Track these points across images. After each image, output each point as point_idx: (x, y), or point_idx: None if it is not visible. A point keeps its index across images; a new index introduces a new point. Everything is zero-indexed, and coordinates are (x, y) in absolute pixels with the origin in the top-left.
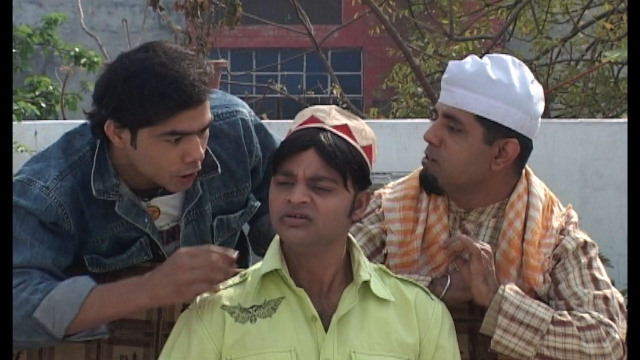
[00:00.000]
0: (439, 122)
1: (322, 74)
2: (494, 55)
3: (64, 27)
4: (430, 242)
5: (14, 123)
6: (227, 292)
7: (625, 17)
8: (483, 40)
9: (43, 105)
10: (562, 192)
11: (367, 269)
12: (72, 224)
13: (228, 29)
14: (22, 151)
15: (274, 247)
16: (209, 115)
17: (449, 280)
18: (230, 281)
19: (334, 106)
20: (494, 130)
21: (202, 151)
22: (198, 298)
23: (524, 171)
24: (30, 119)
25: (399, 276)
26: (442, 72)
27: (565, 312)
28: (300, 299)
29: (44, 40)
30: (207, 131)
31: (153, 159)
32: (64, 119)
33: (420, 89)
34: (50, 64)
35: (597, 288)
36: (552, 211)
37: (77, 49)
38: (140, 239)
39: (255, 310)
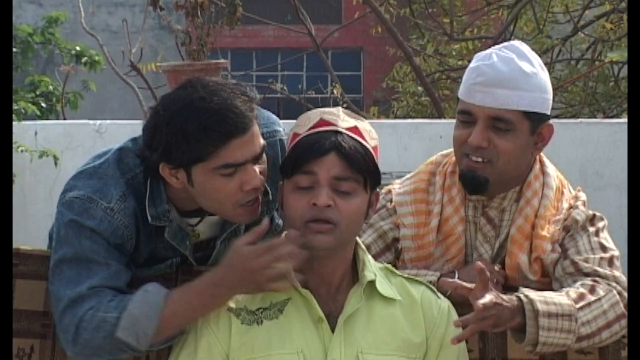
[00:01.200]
0: (483, 125)
1: (322, 74)
2: (507, 44)
3: (64, 27)
4: (446, 234)
5: (14, 123)
6: None
7: (625, 17)
8: (483, 39)
9: (43, 105)
10: None
11: (372, 269)
12: (133, 243)
13: (228, 29)
14: (22, 151)
15: None
16: (260, 142)
17: (456, 276)
18: None
19: (340, 107)
20: (537, 120)
21: (261, 178)
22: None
23: None
24: (30, 118)
25: (405, 274)
26: (442, 71)
27: (570, 290)
28: (306, 301)
29: (44, 39)
30: (264, 156)
31: (212, 194)
32: (64, 118)
33: (420, 88)
34: (51, 64)
35: (605, 253)
36: (562, 193)
37: (78, 48)
38: (173, 259)
39: (261, 312)
